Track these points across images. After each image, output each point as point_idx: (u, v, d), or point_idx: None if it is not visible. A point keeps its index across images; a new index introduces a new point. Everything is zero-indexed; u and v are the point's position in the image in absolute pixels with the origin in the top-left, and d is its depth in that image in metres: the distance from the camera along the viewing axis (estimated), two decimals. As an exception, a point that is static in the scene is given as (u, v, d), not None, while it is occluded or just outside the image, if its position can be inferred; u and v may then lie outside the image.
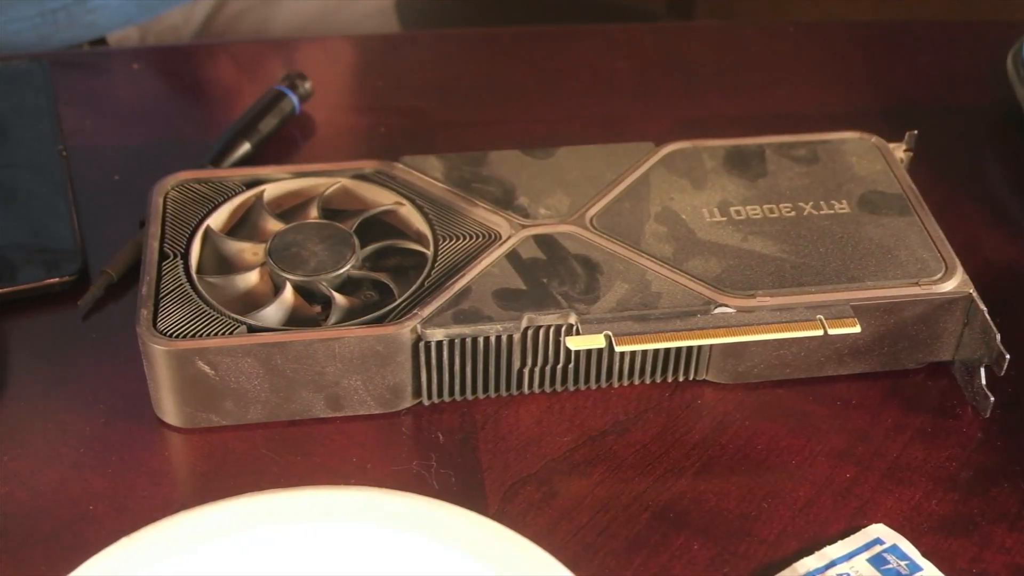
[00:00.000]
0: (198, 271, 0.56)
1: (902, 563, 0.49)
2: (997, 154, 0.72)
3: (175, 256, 0.56)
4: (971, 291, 0.55)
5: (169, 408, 0.54)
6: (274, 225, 0.58)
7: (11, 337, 0.59)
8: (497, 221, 0.58)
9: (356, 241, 0.57)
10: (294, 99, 0.71)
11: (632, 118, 0.74)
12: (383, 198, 0.60)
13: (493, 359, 0.54)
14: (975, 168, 0.70)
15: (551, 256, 0.56)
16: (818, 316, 0.54)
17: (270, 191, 0.60)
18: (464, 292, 0.54)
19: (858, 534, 0.51)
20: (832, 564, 0.49)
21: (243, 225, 0.60)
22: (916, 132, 0.64)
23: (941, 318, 0.56)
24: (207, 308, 0.54)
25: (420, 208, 0.59)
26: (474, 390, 0.55)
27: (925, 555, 0.50)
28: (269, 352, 0.52)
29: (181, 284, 0.55)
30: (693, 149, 0.63)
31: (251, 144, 0.68)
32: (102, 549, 0.45)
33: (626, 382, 0.56)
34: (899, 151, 0.64)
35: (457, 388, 0.55)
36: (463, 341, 0.53)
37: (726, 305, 0.54)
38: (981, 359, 0.55)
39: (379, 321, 0.54)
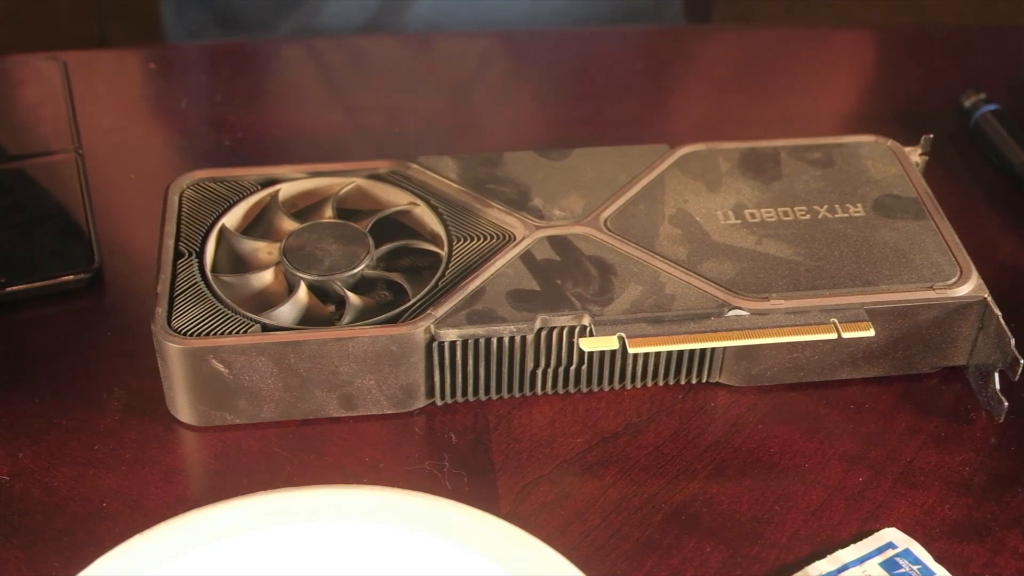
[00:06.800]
0: (213, 270, 0.56)
1: (915, 567, 0.49)
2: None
3: (190, 255, 0.56)
4: (986, 296, 0.55)
5: (183, 406, 0.54)
6: (289, 224, 0.58)
7: (26, 334, 0.59)
8: (511, 222, 0.58)
9: (370, 241, 0.57)
10: None
11: (647, 120, 0.74)
12: (398, 198, 0.60)
13: (506, 360, 0.54)
14: (991, 172, 0.70)
15: (565, 257, 0.56)
16: (832, 319, 0.54)
17: (285, 190, 0.60)
18: (478, 293, 0.54)
19: (870, 538, 0.51)
20: (844, 568, 0.49)
21: (258, 224, 0.60)
22: (932, 136, 0.63)
23: (955, 322, 0.56)
24: (221, 307, 0.54)
25: (434, 208, 0.59)
26: (487, 391, 0.55)
27: (938, 559, 0.50)
28: (283, 351, 0.52)
29: (196, 283, 0.55)
30: (708, 151, 0.63)
31: None
32: (115, 546, 0.45)
33: (639, 384, 0.56)
34: (914, 155, 0.63)
35: (470, 388, 0.55)
36: (476, 342, 0.53)
37: (740, 307, 0.54)
38: (995, 364, 0.55)
39: (393, 321, 0.54)
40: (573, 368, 0.55)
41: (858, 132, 0.64)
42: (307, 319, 0.55)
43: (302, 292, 0.55)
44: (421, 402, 0.55)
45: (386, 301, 0.56)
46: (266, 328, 0.53)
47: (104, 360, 0.57)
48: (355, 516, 0.46)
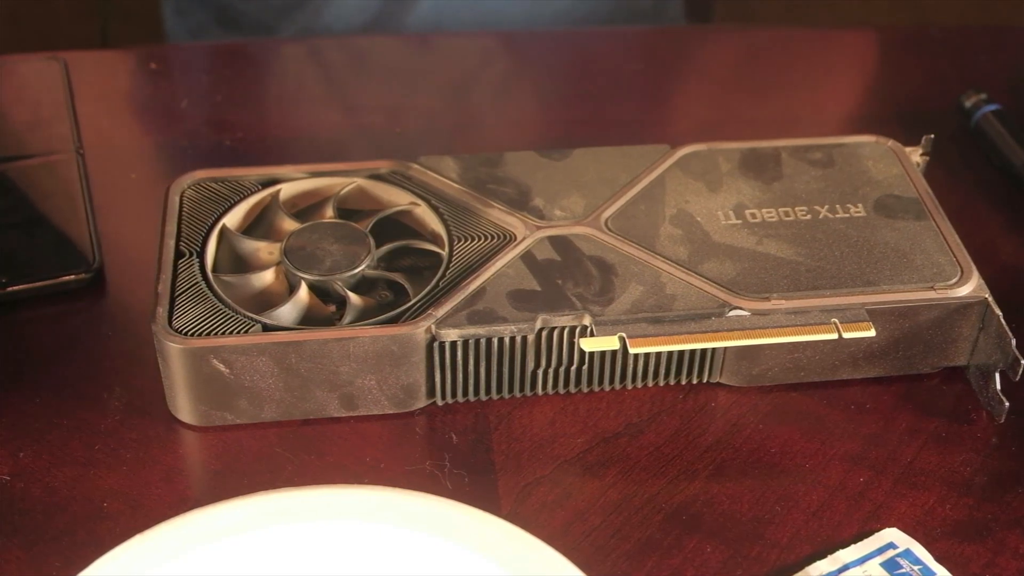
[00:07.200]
0: (214, 270, 0.56)
1: (915, 568, 0.49)
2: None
3: (191, 255, 0.56)
4: (987, 296, 0.55)
5: (184, 406, 0.54)
6: (290, 224, 0.58)
7: (26, 334, 0.59)
8: (512, 222, 0.58)
9: (371, 241, 0.57)
10: None
11: (648, 120, 0.74)
12: (398, 198, 0.60)
13: (507, 360, 0.54)
14: (992, 173, 0.70)
15: (566, 257, 0.56)
16: (833, 320, 0.54)
17: (286, 190, 0.60)
18: (479, 293, 0.54)
19: (871, 538, 0.51)
20: (845, 568, 0.49)
21: (259, 224, 0.60)
22: (933, 136, 0.63)
23: (956, 323, 0.56)
24: (222, 307, 0.54)
25: (435, 208, 0.59)
26: (488, 391, 0.55)
27: (939, 560, 0.50)
28: (284, 351, 0.52)
29: (197, 283, 0.55)
30: (709, 151, 0.63)
31: None
32: (116, 546, 0.45)
33: (640, 384, 0.56)
34: (915, 155, 0.63)
35: (471, 389, 0.55)
36: (477, 342, 0.53)
37: (741, 308, 0.54)
38: (996, 364, 0.55)
39: (393, 321, 0.54)
40: (574, 368, 0.55)
41: (859, 132, 0.64)
42: (308, 319, 0.55)
43: (303, 292, 0.55)
44: (422, 402, 0.55)
45: (387, 301, 0.56)
46: (267, 328, 0.53)
47: (105, 360, 0.57)
48: (355, 516, 0.46)
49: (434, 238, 0.58)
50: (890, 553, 0.50)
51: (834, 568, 0.49)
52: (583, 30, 0.92)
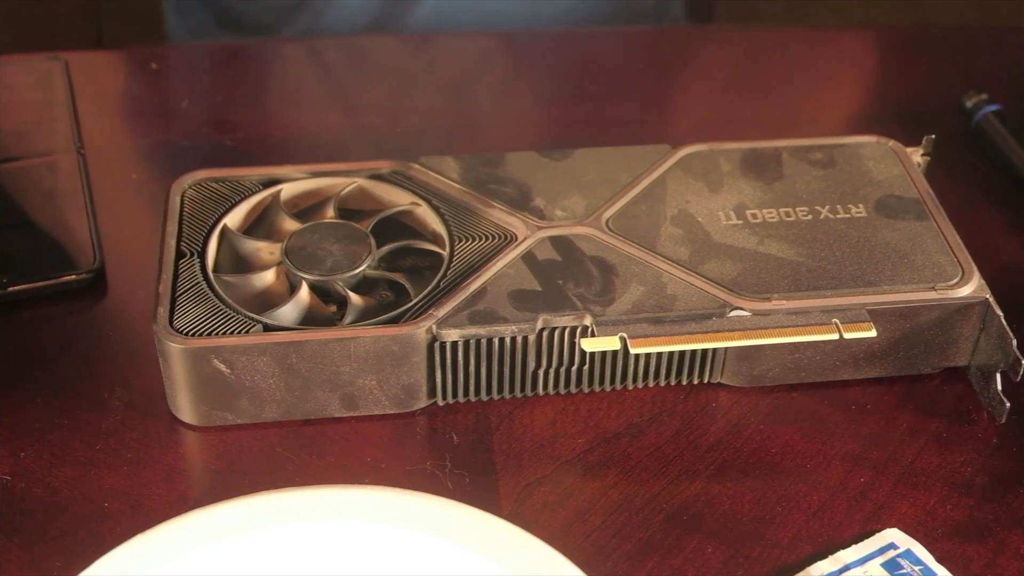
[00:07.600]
0: (215, 270, 0.56)
1: (916, 568, 0.49)
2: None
3: (192, 255, 0.56)
4: (987, 296, 0.55)
5: (185, 406, 0.54)
6: (291, 224, 0.58)
7: (27, 334, 0.59)
8: (513, 222, 0.58)
9: (372, 241, 0.57)
10: None
11: (649, 120, 0.74)
12: (399, 198, 0.60)
13: (508, 360, 0.54)
14: (992, 173, 0.70)
15: (567, 258, 0.56)
16: (834, 320, 0.54)
17: (287, 190, 0.60)
18: (479, 293, 0.54)
19: (872, 538, 0.50)
20: (846, 568, 0.49)
21: (260, 224, 0.60)
22: (933, 136, 0.63)
23: (957, 323, 0.56)
24: (223, 307, 0.54)
25: (436, 209, 0.59)
26: (488, 391, 0.55)
27: (939, 560, 0.50)
28: (284, 351, 0.52)
29: (198, 283, 0.55)
30: (710, 152, 0.63)
31: None
32: (117, 546, 0.45)
33: (641, 384, 0.56)
34: (916, 155, 0.63)
35: (472, 389, 0.55)
36: (478, 342, 0.53)
37: (741, 308, 0.54)
38: (997, 364, 0.55)
39: (394, 321, 0.54)
40: (575, 368, 0.55)
41: (860, 132, 0.64)
42: (309, 319, 0.55)
43: (304, 292, 0.55)
44: (423, 402, 0.55)
45: (388, 301, 0.56)
46: (268, 328, 0.53)
47: (106, 360, 0.57)
48: (355, 516, 0.46)
49: (435, 238, 0.58)
50: (891, 553, 0.50)
51: (835, 568, 0.49)
52: (584, 30, 0.92)
